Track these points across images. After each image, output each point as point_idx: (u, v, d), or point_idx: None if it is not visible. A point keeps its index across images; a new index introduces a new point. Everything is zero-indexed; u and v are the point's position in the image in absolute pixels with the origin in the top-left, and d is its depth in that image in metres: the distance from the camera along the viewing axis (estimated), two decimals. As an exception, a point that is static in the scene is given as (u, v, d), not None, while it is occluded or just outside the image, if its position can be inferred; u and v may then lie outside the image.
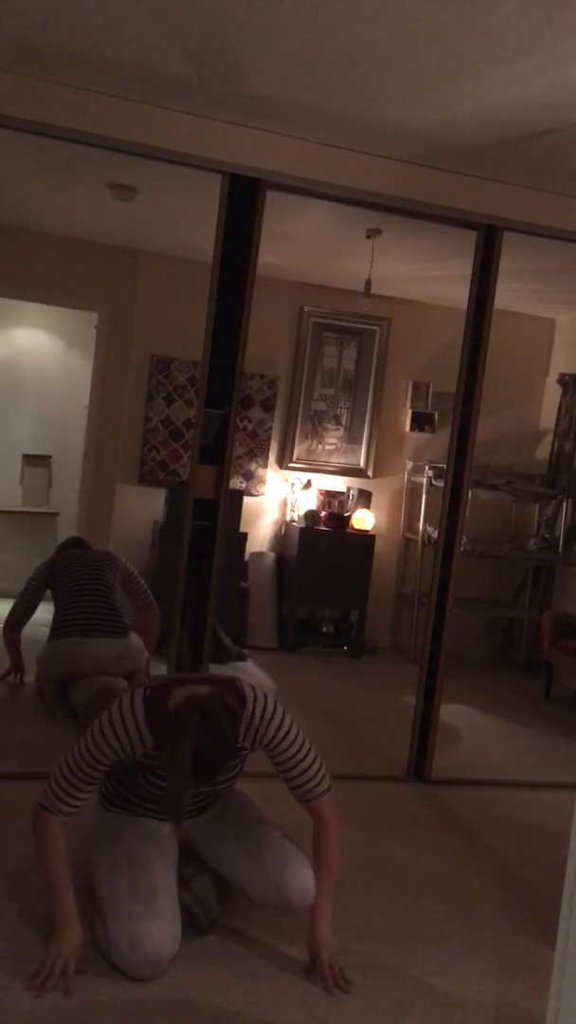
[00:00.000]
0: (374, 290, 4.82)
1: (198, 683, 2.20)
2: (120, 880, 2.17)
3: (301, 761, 2.26)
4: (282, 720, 2.25)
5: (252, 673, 5.04)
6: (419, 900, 2.68)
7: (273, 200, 3.41)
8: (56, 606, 4.07)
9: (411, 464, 6.06)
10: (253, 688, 2.27)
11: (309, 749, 2.29)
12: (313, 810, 2.29)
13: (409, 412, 6.07)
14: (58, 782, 2.16)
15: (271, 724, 2.23)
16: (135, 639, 4.02)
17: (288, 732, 2.25)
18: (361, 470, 6.08)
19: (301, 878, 2.22)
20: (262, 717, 2.23)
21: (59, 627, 4.00)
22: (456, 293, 3.96)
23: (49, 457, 6.03)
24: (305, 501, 5.92)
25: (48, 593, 4.14)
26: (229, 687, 2.23)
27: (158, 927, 2.10)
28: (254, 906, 2.34)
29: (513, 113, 2.96)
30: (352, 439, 6.07)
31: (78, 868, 2.45)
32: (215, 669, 3.97)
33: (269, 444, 5.90)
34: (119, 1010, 2.01)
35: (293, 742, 2.26)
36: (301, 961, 2.26)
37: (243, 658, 5.24)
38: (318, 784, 2.27)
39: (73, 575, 4.09)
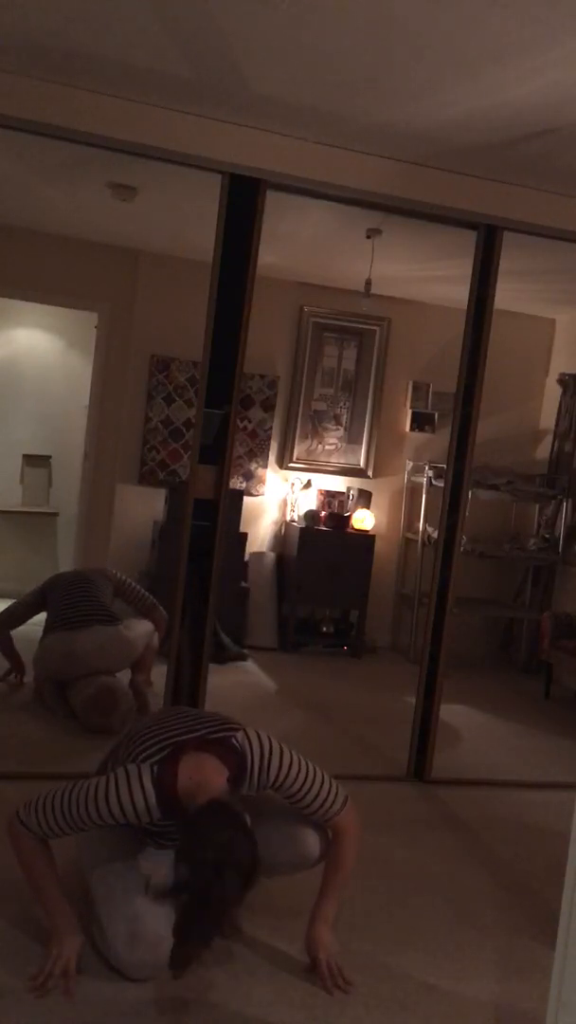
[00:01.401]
0: (374, 290, 4.82)
1: (200, 753, 2.13)
2: (115, 881, 2.17)
3: (309, 790, 2.22)
4: (281, 758, 2.21)
5: (252, 673, 5.05)
6: (419, 900, 2.68)
7: (273, 200, 3.41)
8: (48, 610, 4.10)
9: (411, 464, 6.06)
10: (247, 736, 2.22)
11: (315, 775, 2.24)
12: (333, 826, 2.28)
13: (409, 412, 6.07)
14: (45, 814, 2.10)
15: (271, 767, 2.19)
16: (126, 631, 4.03)
17: (291, 768, 2.21)
18: (361, 470, 6.08)
19: (314, 829, 2.26)
20: (260, 765, 2.19)
21: (48, 626, 4.05)
22: (456, 293, 3.96)
23: (49, 457, 6.03)
24: (305, 501, 5.92)
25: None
26: (227, 746, 2.18)
27: (155, 927, 2.09)
28: (274, 874, 2.29)
29: (513, 113, 2.96)
30: (352, 439, 6.07)
31: (72, 870, 2.45)
32: (215, 669, 3.96)
33: (269, 444, 5.90)
34: (118, 1010, 2.01)
35: (297, 775, 2.21)
36: (301, 961, 2.26)
37: (243, 658, 5.25)
38: (332, 804, 2.24)
39: (63, 587, 4.17)
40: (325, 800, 2.23)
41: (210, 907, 1.90)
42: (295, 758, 2.24)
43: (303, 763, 2.24)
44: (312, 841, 2.30)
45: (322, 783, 2.24)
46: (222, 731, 2.22)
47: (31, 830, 2.11)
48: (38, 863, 2.14)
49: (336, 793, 2.25)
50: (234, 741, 2.20)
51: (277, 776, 2.19)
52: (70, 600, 4.06)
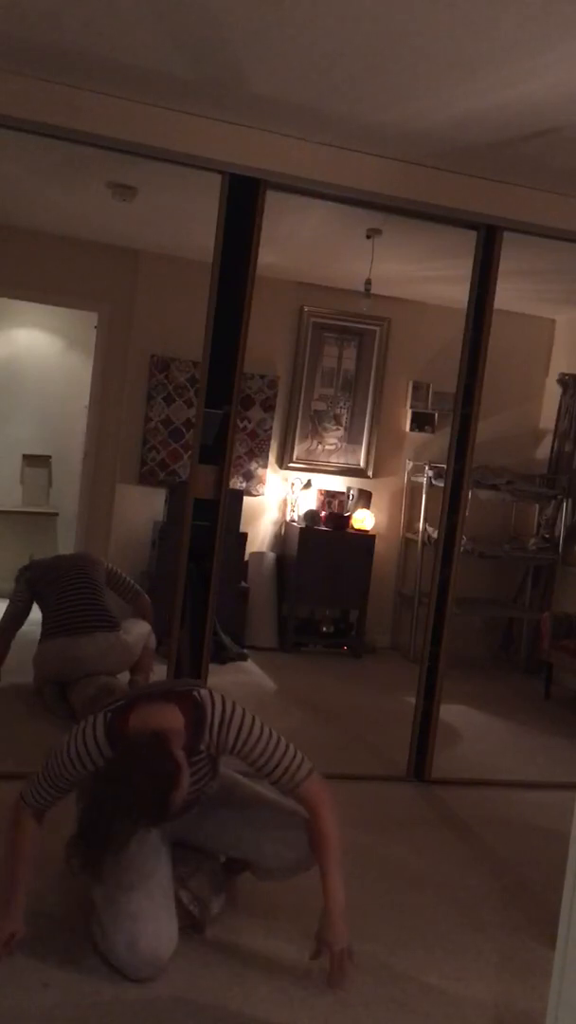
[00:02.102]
0: (374, 290, 4.82)
1: (156, 701, 2.18)
2: (116, 881, 2.17)
3: (272, 756, 2.21)
4: (242, 721, 2.21)
5: (252, 673, 5.05)
6: (419, 900, 2.68)
7: (273, 200, 3.41)
8: (44, 611, 4.08)
9: (411, 464, 6.06)
10: (211, 694, 2.24)
11: (278, 741, 2.23)
12: (301, 797, 2.24)
13: (409, 412, 6.07)
14: (36, 781, 2.20)
15: (231, 726, 2.20)
16: (126, 635, 4.03)
17: (251, 731, 2.21)
18: (361, 470, 6.08)
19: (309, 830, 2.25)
20: (220, 721, 2.20)
21: (48, 629, 4.02)
22: (456, 293, 3.96)
23: (49, 457, 6.03)
24: (305, 501, 5.92)
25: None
26: (187, 697, 2.21)
27: (155, 927, 2.10)
28: (271, 878, 2.35)
29: (513, 113, 2.96)
30: (352, 439, 6.07)
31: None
32: (215, 669, 3.97)
33: (269, 444, 5.90)
34: (119, 1010, 2.01)
35: (259, 740, 2.20)
36: (301, 961, 2.25)
37: (243, 658, 5.25)
38: (297, 771, 2.21)
39: (57, 579, 4.11)
40: (289, 767, 2.20)
41: (103, 818, 1.97)
42: (257, 722, 2.23)
43: (265, 729, 2.23)
44: (306, 847, 2.27)
45: (285, 750, 2.21)
46: (187, 687, 2.26)
47: (27, 802, 2.19)
48: (22, 843, 2.19)
49: (301, 761, 2.22)
50: (195, 694, 2.21)
51: (238, 736, 2.19)
52: (71, 602, 4.03)
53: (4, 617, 4.13)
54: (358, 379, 6.04)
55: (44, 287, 5.43)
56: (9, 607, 4.12)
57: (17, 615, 4.10)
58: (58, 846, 2.45)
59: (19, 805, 2.22)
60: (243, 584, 5.61)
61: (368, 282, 4.77)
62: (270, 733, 2.23)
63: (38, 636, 4.07)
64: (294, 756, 2.23)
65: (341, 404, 6.03)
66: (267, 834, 2.29)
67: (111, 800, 1.98)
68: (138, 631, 4.10)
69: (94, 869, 2.07)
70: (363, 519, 5.82)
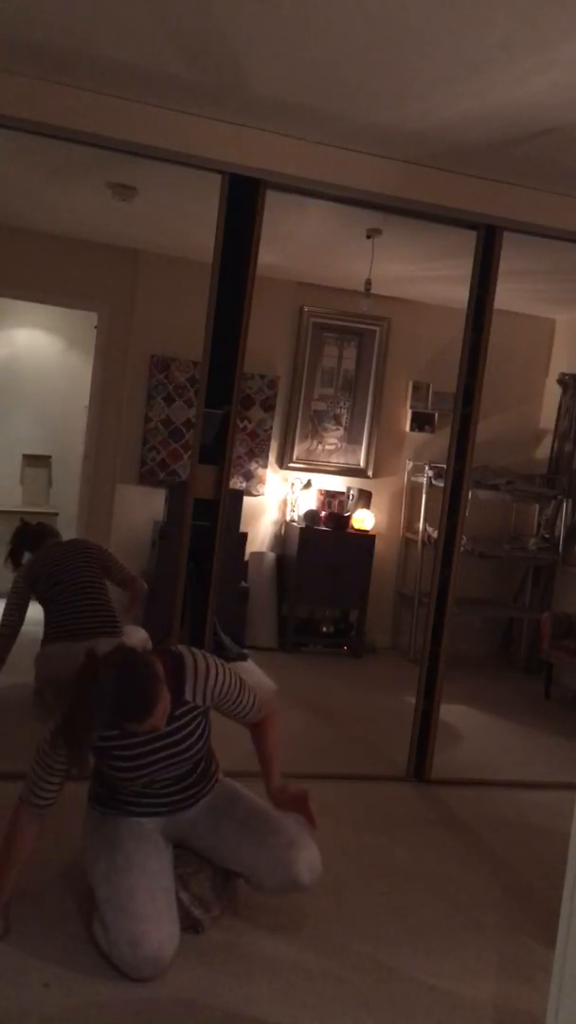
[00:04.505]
0: (374, 290, 4.82)
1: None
2: (118, 881, 2.18)
3: (244, 698, 2.43)
4: (219, 670, 2.38)
5: (252, 673, 5.05)
6: (419, 900, 2.68)
7: (273, 200, 3.41)
8: (45, 608, 4.06)
9: (411, 464, 6.06)
10: (188, 648, 2.41)
11: (242, 682, 2.44)
12: (259, 719, 2.50)
13: (409, 412, 6.07)
14: (30, 775, 2.25)
15: (210, 674, 2.35)
16: (127, 641, 4.01)
17: (227, 678, 2.39)
18: (361, 470, 6.08)
19: (307, 853, 2.29)
20: (197, 668, 2.34)
21: (51, 631, 4.00)
22: (456, 293, 3.96)
23: (49, 457, 6.03)
24: (305, 501, 5.92)
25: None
26: (165, 651, 2.38)
27: (157, 927, 2.10)
28: (265, 894, 2.37)
29: (513, 113, 2.96)
30: (352, 439, 6.07)
31: (75, 871, 2.46)
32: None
33: (269, 444, 5.90)
34: (119, 1010, 2.01)
35: (232, 686, 2.39)
36: (301, 961, 2.26)
37: (243, 658, 5.25)
38: (258, 707, 2.47)
39: (56, 574, 4.06)
40: (250, 701, 2.45)
41: (78, 715, 2.12)
42: (227, 668, 2.42)
43: (233, 673, 2.44)
44: (303, 867, 2.30)
45: (250, 690, 2.47)
46: (163, 646, 2.46)
47: (24, 799, 2.23)
48: (17, 844, 2.23)
49: (256, 696, 2.49)
50: (172, 648, 2.41)
51: (217, 682, 2.36)
52: (75, 605, 4.01)
53: (4, 616, 4.10)
54: (358, 379, 6.04)
55: (44, 287, 5.43)
56: (8, 605, 4.08)
57: (17, 613, 4.07)
58: (57, 846, 2.46)
59: (18, 806, 2.24)
60: (243, 584, 5.61)
61: (368, 282, 4.77)
62: (241, 681, 2.45)
63: (38, 636, 4.06)
64: (253, 693, 2.48)
65: (341, 404, 6.03)
66: (264, 852, 2.31)
67: (93, 694, 2.10)
68: (138, 637, 4.09)
69: (80, 763, 2.23)
70: (363, 519, 5.82)
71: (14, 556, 4.24)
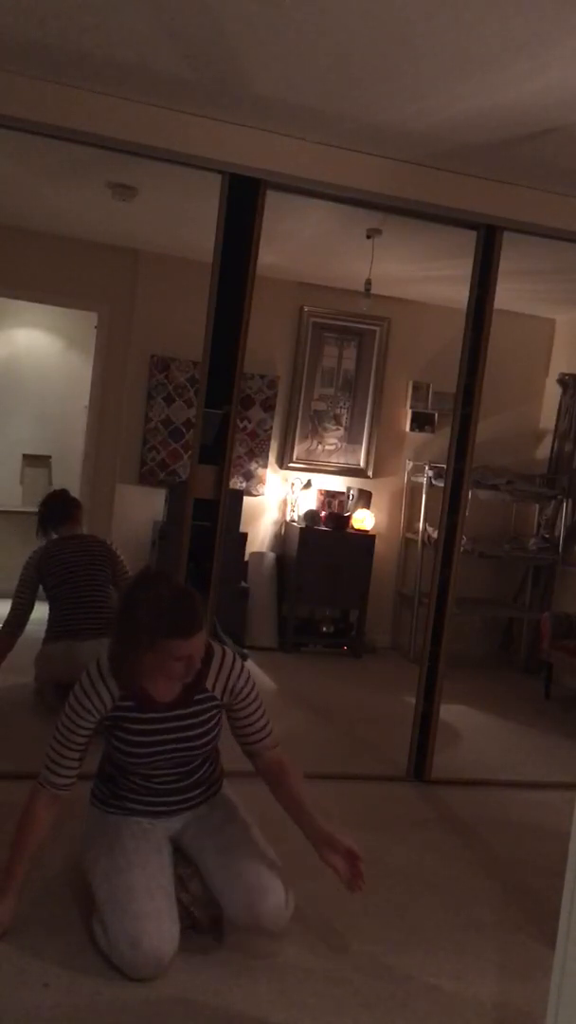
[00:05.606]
0: (374, 290, 4.82)
1: None
2: (118, 881, 2.18)
3: (261, 716, 2.42)
4: (243, 671, 2.40)
5: (252, 673, 5.04)
6: (419, 900, 2.68)
7: (273, 200, 3.41)
8: (50, 605, 4.05)
9: (411, 464, 6.06)
10: (220, 644, 2.44)
11: (263, 705, 2.43)
12: (275, 758, 2.41)
13: (409, 412, 6.07)
14: (49, 754, 2.27)
15: (234, 670, 2.38)
16: None
17: (248, 683, 2.40)
18: (361, 470, 6.08)
19: (272, 902, 2.20)
20: (223, 664, 2.37)
21: (53, 630, 4.00)
22: (456, 293, 3.96)
23: (49, 457, 6.04)
24: (305, 501, 5.92)
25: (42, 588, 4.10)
26: None
27: (157, 927, 2.10)
28: (234, 925, 2.29)
29: (513, 113, 2.96)
30: (352, 439, 6.07)
31: (75, 871, 2.45)
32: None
33: (269, 444, 5.90)
34: (119, 1010, 2.01)
35: (251, 693, 2.40)
36: (300, 961, 2.25)
37: (243, 658, 5.24)
38: (272, 732, 2.43)
39: (65, 572, 4.05)
40: (267, 725, 2.42)
41: (131, 621, 2.21)
42: (252, 680, 2.42)
43: (257, 689, 2.43)
44: (267, 915, 2.20)
45: (267, 713, 2.43)
46: None
47: (43, 783, 2.26)
48: (30, 831, 2.25)
49: (272, 726, 2.44)
50: (208, 641, 2.38)
51: (239, 679, 2.37)
52: (78, 604, 4.00)
53: (10, 611, 4.09)
54: (358, 379, 6.04)
55: (44, 287, 5.43)
56: (16, 596, 4.06)
57: (25, 605, 4.05)
58: (57, 846, 2.46)
59: (35, 789, 2.27)
60: (243, 584, 5.61)
61: (368, 282, 4.77)
62: (259, 692, 2.43)
63: (39, 635, 4.06)
64: (270, 718, 2.45)
65: (341, 404, 6.04)
66: (234, 890, 2.23)
67: (151, 596, 2.19)
68: None
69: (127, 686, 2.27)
70: (363, 519, 5.82)
71: (43, 524, 4.25)
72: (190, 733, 2.32)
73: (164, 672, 2.24)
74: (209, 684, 2.34)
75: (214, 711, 2.36)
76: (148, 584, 2.24)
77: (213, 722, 2.36)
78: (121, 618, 2.26)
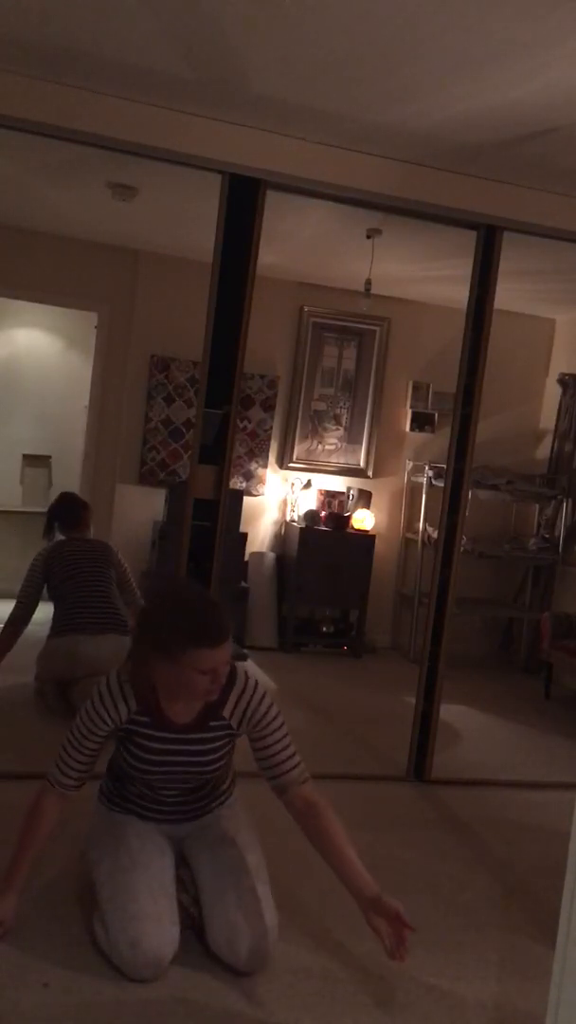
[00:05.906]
0: (374, 290, 4.82)
1: None
2: (120, 881, 2.17)
3: (287, 747, 2.28)
4: (267, 699, 2.30)
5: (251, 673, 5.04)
6: (419, 900, 2.68)
7: (273, 200, 3.41)
8: (54, 603, 4.06)
9: (411, 464, 6.06)
10: (245, 670, 2.35)
11: (288, 735, 2.30)
12: (304, 794, 2.25)
13: (409, 412, 6.07)
14: (60, 754, 2.26)
15: (255, 697, 2.28)
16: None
17: (273, 713, 2.29)
18: (361, 470, 6.08)
19: (249, 946, 2.12)
20: (244, 690, 2.28)
21: (57, 626, 4.00)
22: (456, 293, 3.96)
23: (49, 457, 6.03)
24: (305, 501, 5.92)
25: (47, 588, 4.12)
26: None
27: (158, 929, 2.10)
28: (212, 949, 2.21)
29: (513, 113, 2.96)
30: (352, 439, 6.07)
31: (75, 871, 2.46)
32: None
33: (269, 444, 5.90)
34: (119, 1010, 2.01)
35: (274, 723, 2.28)
36: (300, 961, 2.25)
37: (243, 658, 5.25)
38: (300, 765, 2.28)
39: (70, 569, 4.07)
40: (294, 757, 2.28)
41: (157, 624, 2.16)
42: (276, 709, 2.30)
43: (282, 719, 2.30)
44: (243, 955, 2.11)
45: (294, 749, 2.29)
46: None
47: (51, 781, 2.25)
48: (35, 830, 2.23)
49: (301, 761, 2.29)
50: (232, 664, 2.30)
51: (260, 707, 2.27)
52: (85, 601, 4.01)
53: (14, 607, 4.10)
54: (358, 379, 6.04)
55: (44, 287, 5.43)
56: (22, 590, 4.07)
57: (32, 598, 4.05)
58: (58, 849, 2.46)
59: (43, 787, 2.26)
60: (243, 584, 5.61)
61: (368, 282, 4.77)
62: (284, 723, 2.30)
63: (40, 635, 4.06)
64: (296, 749, 2.30)
65: (341, 404, 6.04)
66: (217, 917, 2.17)
67: (180, 598, 2.19)
68: None
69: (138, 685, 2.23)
70: (363, 519, 5.82)
71: (50, 527, 4.30)
72: (200, 759, 2.28)
73: (187, 687, 2.16)
74: (227, 712, 2.27)
75: (227, 739, 2.30)
76: (173, 592, 2.22)
77: (224, 750, 2.32)
78: (142, 626, 2.22)
